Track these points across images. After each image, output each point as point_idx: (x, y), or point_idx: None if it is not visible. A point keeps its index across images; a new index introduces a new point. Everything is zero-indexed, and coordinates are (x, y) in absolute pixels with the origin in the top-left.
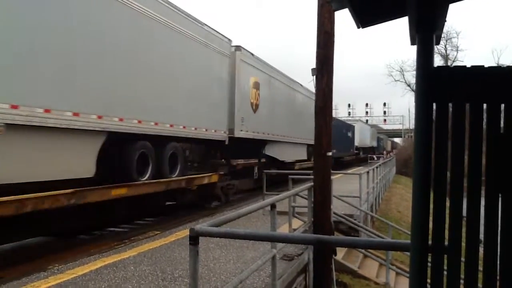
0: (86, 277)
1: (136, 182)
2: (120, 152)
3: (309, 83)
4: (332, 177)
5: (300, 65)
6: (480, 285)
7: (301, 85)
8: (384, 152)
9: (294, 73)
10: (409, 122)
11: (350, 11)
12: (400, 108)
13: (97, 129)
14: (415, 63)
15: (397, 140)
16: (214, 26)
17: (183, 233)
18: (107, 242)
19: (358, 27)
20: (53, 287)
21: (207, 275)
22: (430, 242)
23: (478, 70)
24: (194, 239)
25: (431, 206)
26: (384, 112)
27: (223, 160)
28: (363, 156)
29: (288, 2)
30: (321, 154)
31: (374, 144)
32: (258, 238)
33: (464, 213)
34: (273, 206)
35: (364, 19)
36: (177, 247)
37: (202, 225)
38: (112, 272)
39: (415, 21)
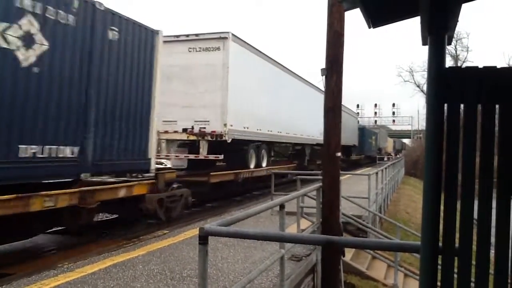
0: (95, 276)
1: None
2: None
3: (319, 83)
4: (341, 177)
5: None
6: None
7: None
8: (391, 156)
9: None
10: (418, 123)
11: (362, 11)
12: (409, 109)
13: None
14: (424, 64)
15: (405, 141)
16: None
17: (191, 232)
18: (116, 241)
19: (369, 27)
20: (63, 285)
21: (215, 275)
22: (440, 244)
23: (490, 70)
24: (203, 238)
25: (442, 208)
26: (393, 113)
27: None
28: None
29: (290, 2)
30: (330, 155)
31: (351, 140)
32: (267, 238)
33: (475, 215)
34: (282, 206)
35: (375, 19)
36: (185, 247)
37: (212, 224)
38: (121, 271)
39: (427, 21)
